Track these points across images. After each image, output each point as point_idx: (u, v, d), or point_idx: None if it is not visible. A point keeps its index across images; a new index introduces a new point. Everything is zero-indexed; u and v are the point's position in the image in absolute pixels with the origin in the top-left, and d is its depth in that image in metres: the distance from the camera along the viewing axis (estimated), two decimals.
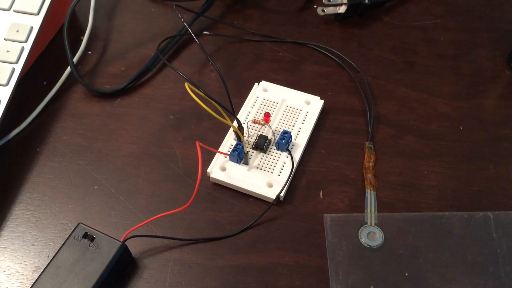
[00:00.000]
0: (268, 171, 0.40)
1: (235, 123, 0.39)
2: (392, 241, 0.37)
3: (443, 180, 0.40)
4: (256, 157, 0.40)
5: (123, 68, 0.48)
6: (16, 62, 0.43)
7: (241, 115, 0.43)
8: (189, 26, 0.49)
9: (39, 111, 0.45)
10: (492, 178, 0.40)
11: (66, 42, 0.46)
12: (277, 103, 0.44)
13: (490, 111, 0.44)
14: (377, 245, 0.36)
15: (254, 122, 0.42)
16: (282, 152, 0.41)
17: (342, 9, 0.50)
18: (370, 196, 0.39)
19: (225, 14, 0.52)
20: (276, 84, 0.45)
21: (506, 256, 0.36)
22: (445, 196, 0.39)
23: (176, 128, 0.44)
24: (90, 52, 0.49)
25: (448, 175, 0.40)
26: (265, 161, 0.40)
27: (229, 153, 0.40)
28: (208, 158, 0.40)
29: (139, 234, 0.37)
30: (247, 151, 0.40)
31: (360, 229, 0.37)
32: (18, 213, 0.39)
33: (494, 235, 0.37)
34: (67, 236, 0.35)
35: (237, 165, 0.40)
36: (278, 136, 0.41)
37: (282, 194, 0.38)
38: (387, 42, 0.50)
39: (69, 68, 0.46)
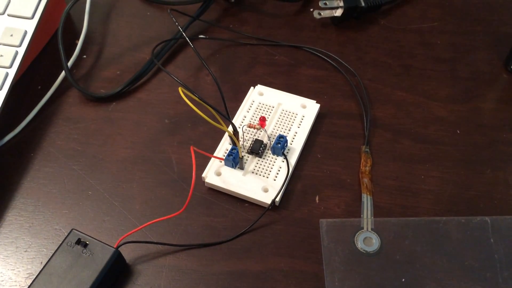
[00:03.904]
0: (263, 176, 0.39)
1: (230, 128, 0.38)
2: (388, 246, 0.36)
3: (440, 185, 0.40)
4: (251, 162, 0.40)
5: (118, 72, 0.48)
6: (10, 67, 0.43)
7: (236, 120, 0.43)
8: (185, 30, 0.49)
9: (33, 115, 0.44)
10: (489, 182, 0.40)
11: (60, 46, 0.46)
12: (273, 107, 0.43)
13: (487, 115, 0.44)
14: (373, 251, 0.36)
15: (250, 126, 0.42)
16: (277, 156, 0.40)
17: (339, 13, 0.50)
18: (367, 200, 0.39)
19: (221, 17, 0.52)
20: (272, 88, 0.45)
21: (504, 261, 0.35)
22: (442, 201, 0.39)
23: (171, 132, 0.43)
24: (85, 56, 0.49)
25: (445, 180, 0.40)
26: (261, 166, 0.40)
27: (224, 157, 0.40)
28: (203, 163, 0.40)
29: (133, 240, 0.36)
30: (243, 156, 0.39)
31: (357, 234, 0.37)
32: (11, 218, 0.39)
33: (492, 240, 0.36)
34: (60, 242, 0.35)
35: (232, 169, 0.40)
36: (273, 140, 0.40)
37: (277, 199, 0.38)
38: (384, 45, 0.49)
39: (63, 73, 0.46)
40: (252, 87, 0.45)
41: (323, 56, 0.48)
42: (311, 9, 0.52)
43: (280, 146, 0.40)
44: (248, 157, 0.40)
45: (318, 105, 0.44)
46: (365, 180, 0.40)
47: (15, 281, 0.36)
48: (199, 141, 0.43)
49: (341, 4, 0.49)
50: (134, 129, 0.44)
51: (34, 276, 0.33)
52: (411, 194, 0.39)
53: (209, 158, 0.40)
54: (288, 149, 0.41)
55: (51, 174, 0.41)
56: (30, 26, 0.45)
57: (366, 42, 0.50)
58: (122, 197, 0.40)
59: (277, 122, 0.42)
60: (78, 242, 0.34)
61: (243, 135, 0.42)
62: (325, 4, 0.49)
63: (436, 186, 0.40)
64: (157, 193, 0.40)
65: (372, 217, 0.38)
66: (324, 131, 0.43)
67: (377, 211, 0.38)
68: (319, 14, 0.50)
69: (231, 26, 0.51)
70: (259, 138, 0.41)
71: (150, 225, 0.37)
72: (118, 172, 0.41)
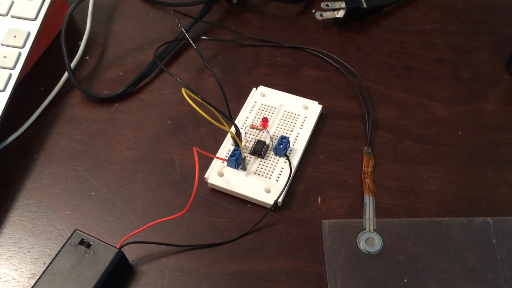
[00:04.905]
0: (266, 177, 0.39)
1: (232, 129, 0.38)
2: (391, 247, 0.36)
3: (442, 185, 0.40)
4: (254, 163, 0.40)
5: (120, 74, 0.48)
6: (13, 68, 0.43)
7: (239, 120, 0.43)
8: (187, 31, 0.49)
9: (37, 116, 0.44)
10: (491, 183, 0.40)
11: (63, 48, 0.46)
12: (275, 108, 0.44)
13: (489, 116, 0.44)
14: (375, 251, 0.36)
15: (252, 127, 0.42)
16: (280, 157, 0.40)
17: (340, 14, 0.50)
18: (369, 201, 0.39)
19: (223, 19, 0.52)
20: (274, 89, 0.45)
21: (506, 262, 0.35)
22: (444, 202, 0.39)
23: (174, 133, 0.43)
24: (87, 58, 0.49)
25: (447, 180, 0.40)
26: (263, 167, 0.40)
27: (226, 158, 0.40)
28: (205, 164, 0.40)
29: (136, 240, 0.37)
30: (245, 157, 0.40)
31: (359, 235, 0.37)
32: (15, 219, 0.39)
33: (494, 240, 0.36)
34: (64, 243, 0.35)
35: (234, 170, 0.40)
36: (276, 141, 0.41)
37: (280, 199, 0.38)
38: (386, 46, 0.49)
39: (66, 74, 0.46)
40: (254, 88, 0.45)
41: (325, 57, 0.48)
42: (313, 11, 0.53)
43: (282, 147, 0.40)
44: (250, 158, 0.40)
45: (320, 106, 0.44)
46: (367, 181, 0.40)
47: (19, 281, 0.36)
48: (201, 142, 0.43)
49: (343, 5, 0.49)
50: (136, 130, 0.44)
51: (38, 277, 0.34)
52: (413, 195, 0.39)
53: (212, 159, 0.40)
54: (290, 150, 0.41)
55: (54, 175, 0.41)
56: (33, 28, 0.45)
57: (368, 43, 0.50)
58: (125, 198, 0.40)
59: (280, 123, 0.43)
60: (81, 242, 0.35)
61: (246, 136, 0.42)
62: (327, 5, 0.50)
63: (438, 187, 0.40)
64: (160, 193, 0.40)
65: (374, 218, 0.38)
66: (326, 132, 0.43)
67: (379, 212, 0.38)
68: (321, 15, 0.50)
69: (233, 27, 0.51)
70: (261, 139, 0.41)
71: (153, 226, 0.37)
72: (121, 173, 0.41)
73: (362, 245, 0.36)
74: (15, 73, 0.43)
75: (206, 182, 0.40)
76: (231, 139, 0.41)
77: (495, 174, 0.40)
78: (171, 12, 0.46)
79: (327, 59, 0.48)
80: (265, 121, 0.41)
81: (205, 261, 0.36)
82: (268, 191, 0.39)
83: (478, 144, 0.42)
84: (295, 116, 0.43)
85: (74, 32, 0.51)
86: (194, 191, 0.35)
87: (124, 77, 0.47)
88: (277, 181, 0.39)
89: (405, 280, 0.35)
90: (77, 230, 0.35)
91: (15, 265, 0.37)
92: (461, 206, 0.39)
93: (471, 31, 0.50)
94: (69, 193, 0.40)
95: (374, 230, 0.37)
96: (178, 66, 0.48)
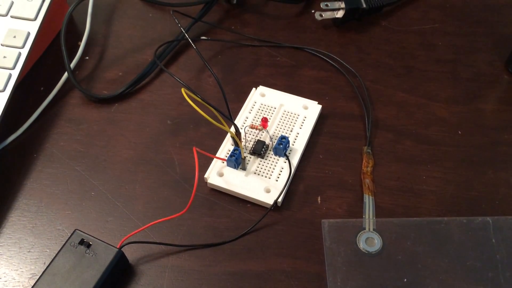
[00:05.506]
0: (265, 177, 0.39)
1: (232, 129, 0.38)
2: (390, 247, 0.36)
3: (442, 185, 0.40)
4: (253, 163, 0.40)
5: (120, 74, 0.48)
6: (13, 68, 0.43)
7: (238, 120, 0.43)
8: (187, 31, 0.49)
9: (36, 117, 0.44)
10: (491, 183, 0.40)
11: (63, 48, 0.46)
12: (275, 108, 0.44)
13: (488, 116, 0.44)
14: (375, 251, 0.36)
15: (252, 127, 0.42)
16: (279, 157, 0.40)
17: (340, 14, 0.50)
18: (369, 201, 0.39)
19: (223, 19, 0.52)
20: (274, 89, 0.45)
21: (505, 261, 0.35)
22: (444, 201, 0.39)
23: (173, 133, 0.43)
24: (87, 58, 0.49)
25: (447, 180, 0.40)
26: (263, 167, 0.40)
27: (226, 158, 0.40)
28: (205, 164, 0.40)
29: (136, 240, 0.37)
30: (245, 157, 0.40)
31: (359, 235, 0.37)
32: (15, 219, 0.39)
33: (493, 240, 0.36)
34: (64, 243, 0.35)
35: (234, 170, 0.40)
36: (275, 141, 0.41)
37: (279, 199, 0.38)
38: (385, 46, 0.49)
39: (66, 74, 0.46)
40: (254, 88, 0.45)
41: (324, 58, 0.48)
42: (313, 11, 0.53)
43: (282, 147, 0.40)
44: (250, 158, 0.41)
45: (320, 106, 0.44)
46: (367, 180, 0.40)
47: (19, 281, 0.36)
48: (201, 142, 0.43)
49: (343, 5, 0.49)
50: (136, 130, 0.44)
51: (38, 277, 0.34)
52: (412, 194, 0.39)
53: (212, 159, 0.40)
54: (290, 150, 0.41)
55: (54, 175, 0.41)
56: (33, 28, 0.45)
57: (367, 43, 0.50)
58: (124, 198, 0.40)
59: (279, 123, 0.43)
60: (81, 242, 0.35)
61: (245, 136, 0.42)
62: (327, 5, 0.50)
63: (438, 187, 0.40)
64: (160, 193, 0.40)
65: (374, 218, 0.38)
66: (326, 132, 0.43)
67: (379, 212, 0.39)
68: (321, 15, 0.50)
69: (233, 27, 0.51)
70: (261, 139, 0.41)
71: (153, 226, 0.37)
72: (120, 173, 0.41)
73: (362, 245, 0.36)
74: (15, 73, 0.43)
75: (206, 182, 0.40)
76: (230, 139, 0.41)
77: (494, 174, 0.40)
78: (171, 12, 0.46)
79: (327, 59, 0.48)
80: (264, 121, 0.41)
81: (205, 261, 0.37)
82: (268, 191, 0.39)
83: (478, 144, 0.42)
84: (295, 116, 0.43)
85: (74, 32, 0.51)
86: (194, 191, 0.35)
87: (124, 77, 0.47)
88: (276, 181, 0.39)
89: (405, 280, 0.35)
90: (77, 230, 0.35)
91: (15, 265, 0.37)
92: (461, 206, 0.39)
93: (471, 31, 0.51)
94: (69, 193, 0.40)
95: (374, 230, 0.37)
96: (177, 66, 0.48)
